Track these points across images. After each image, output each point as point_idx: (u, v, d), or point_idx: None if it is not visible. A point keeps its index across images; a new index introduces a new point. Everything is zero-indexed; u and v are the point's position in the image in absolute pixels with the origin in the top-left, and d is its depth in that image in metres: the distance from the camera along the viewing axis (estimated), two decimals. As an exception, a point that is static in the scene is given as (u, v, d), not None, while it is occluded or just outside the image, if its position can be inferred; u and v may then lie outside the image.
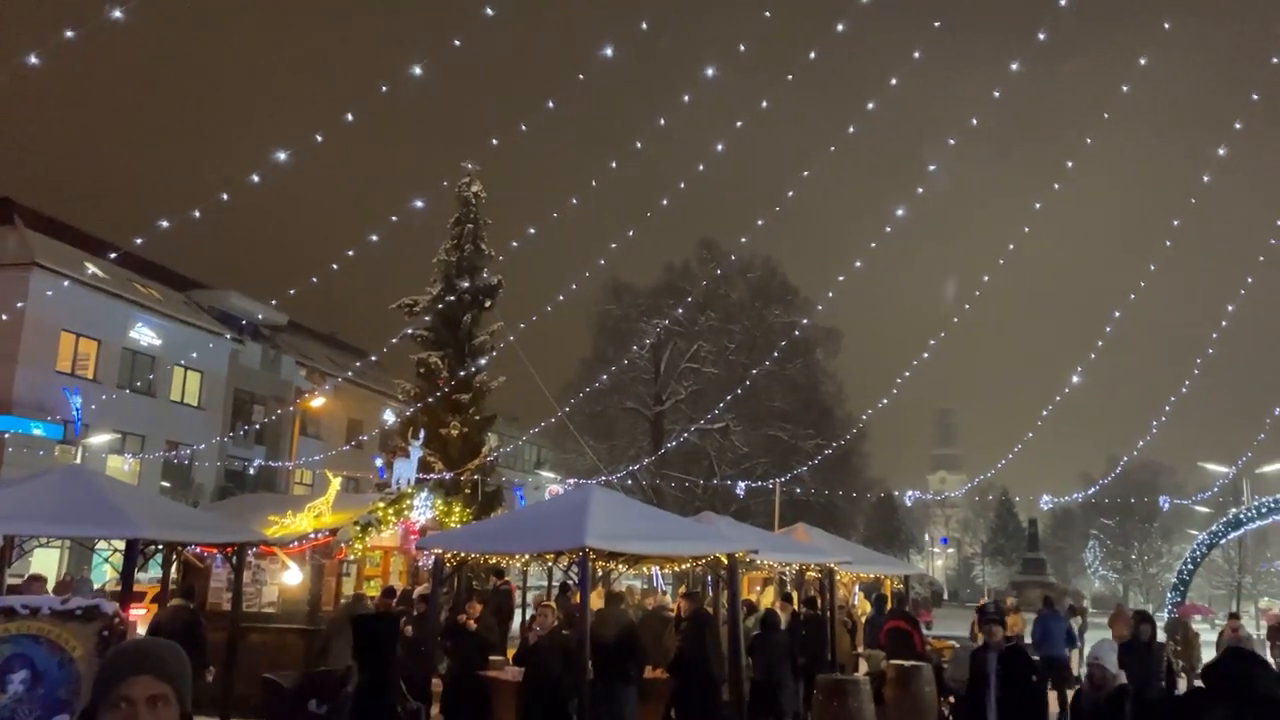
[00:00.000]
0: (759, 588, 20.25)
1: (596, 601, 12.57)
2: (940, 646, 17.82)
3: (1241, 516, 36.41)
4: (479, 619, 12.44)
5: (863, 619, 19.36)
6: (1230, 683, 5.00)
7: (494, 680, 11.55)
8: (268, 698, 10.55)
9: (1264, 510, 35.54)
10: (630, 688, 10.27)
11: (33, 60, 11.98)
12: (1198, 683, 11.69)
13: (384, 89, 15.49)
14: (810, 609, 15.08)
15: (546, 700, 10.10)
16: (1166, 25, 22.59)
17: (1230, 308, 25.74)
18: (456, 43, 14.85)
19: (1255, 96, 22.58)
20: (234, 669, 11.16)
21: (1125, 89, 23.24)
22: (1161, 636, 24.52)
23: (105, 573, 21.79)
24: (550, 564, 15.02)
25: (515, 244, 23.69)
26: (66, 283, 29.45)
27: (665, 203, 22.82)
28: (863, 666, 15.86)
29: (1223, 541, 40.62)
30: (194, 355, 36.22)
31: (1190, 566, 37.04)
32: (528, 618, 15.17)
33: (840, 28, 18.68)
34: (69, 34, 11.84)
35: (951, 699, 15.03)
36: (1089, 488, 51.22)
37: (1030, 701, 7.38)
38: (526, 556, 12.35)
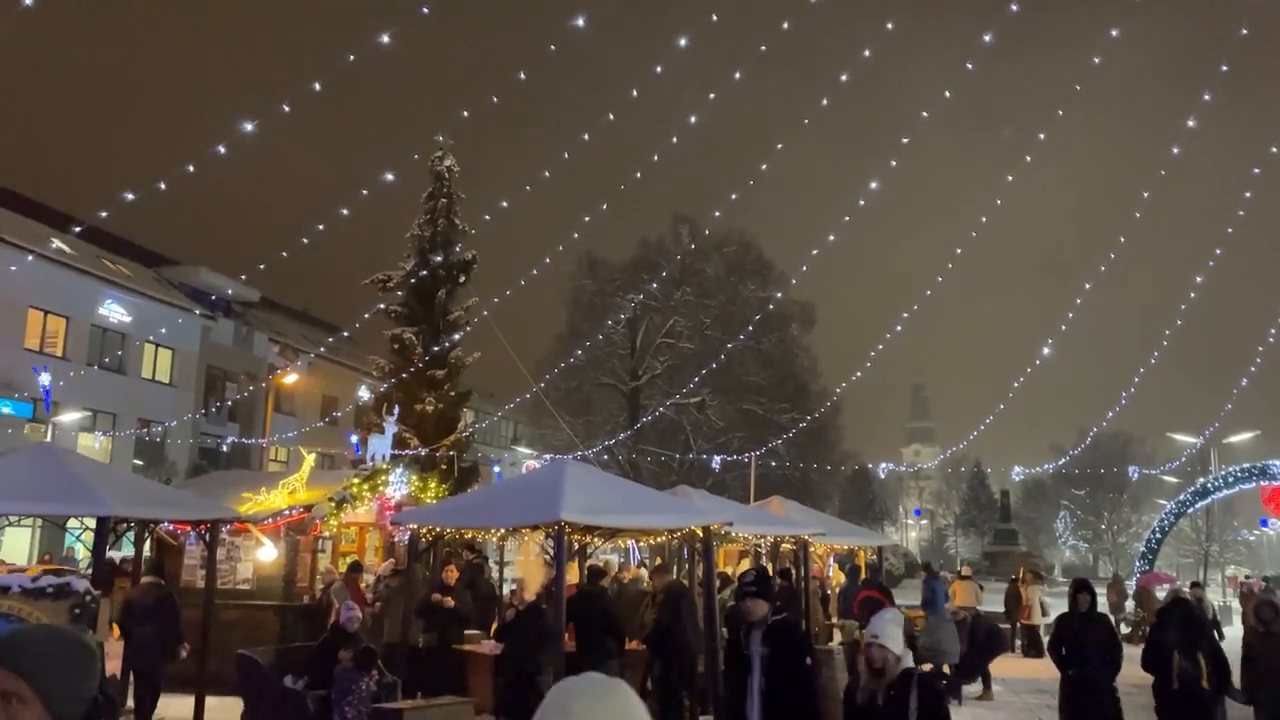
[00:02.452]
0: (735, 560, 20.42)
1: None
2: (913, 616, 18.07)
3: (1209, 486, 37.02)
4: (454, 592, 12.46)
5: (836, 590, 19.60)
6: (1179, 616, 8.49)
7: (470, 653, 11.60)
8: (243, 674, 10.52)
9: (1231, 479, 36.15)
10: (611, 661, 10.36)
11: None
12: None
13: (351, 58, 15.28)
14: (785, 580, 15.23)
15: (523, 673, 10.17)
16: (1138, -2, 22.61)
17: (1199, 279, 26.02)
18: (425, 10, 14.65)
19: (1225, 68, 22.73)
20: (209, 646, 11.13)
21: (1096, 61, 23.34)
22: (1130, 604, 25.06)
23: (79, 551, 21.61)
24: (527, 538, 15.06)
25: (488, 217, 23.54)
26: (31, 258, 28.95)
27: (638, 175, 22.76)
28: (836, 636, 16.06)
29: (1190, 510, 41.32)
30: (164, 332, 35.80)
31: (1158, 535, 37.65)
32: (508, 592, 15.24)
33: None
34: (28, 1, 11.59)
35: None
36: (1060, 459, 51.88)
37: (799, 687, 6.08)
38: (503, 531, 12.37)
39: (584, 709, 1.90)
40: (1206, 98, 22.75)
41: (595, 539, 12.89)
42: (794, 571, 15.65)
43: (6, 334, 31.54)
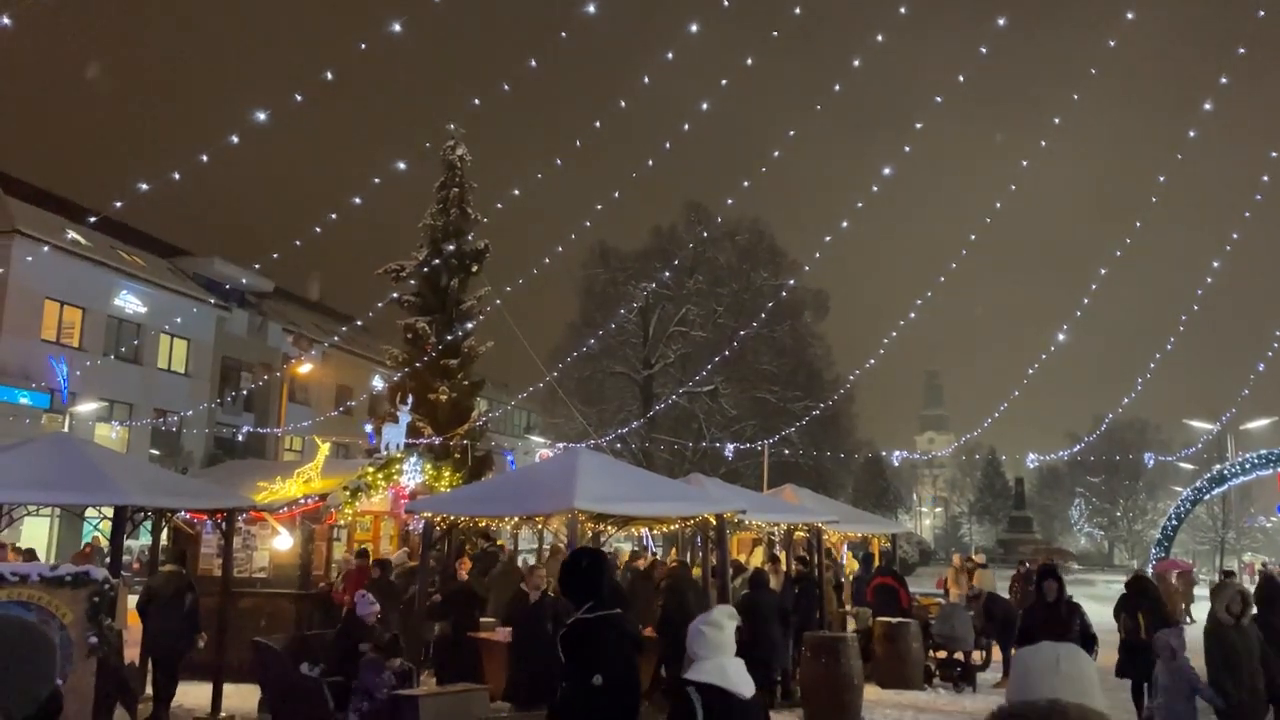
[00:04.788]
0: (748, 548, 20.43)
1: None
2: (927, 603, 18.06)
3: (1225, 472, 36.84)
4: (469, 579, 12.53)
5: (850, 577, 19.60)
6: (1132, 588, 11.37)
7: (485, 641, 11.66)
8: (260, 661, 10.61)
9: (1248, 466, 35.96)
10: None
11: (5, 22, 11.79)
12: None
13: (363, 46, 15.27)
14: (802, 566, 15.24)
15: (536, 661, 10.20)
16: (1155, -19, 22.40)
17: (1215, 264, 25.78)
18: None
19: (1242, 50, 22.48)
20: (226, 634, 11.23)
21: (1112, 44, 23.13)
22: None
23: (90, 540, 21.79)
24: (540, 527, 15.10)
25: (500, 206, 23.52)
26: (47, 249, 29.15)
27: (650, 163, 22.72)
28: (850, 624, 16.07)
29: (1207, 497, 41.11)
30: (180, 322, 36.01)
31: (1174, 522, 37.50)
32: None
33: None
34: (43, -5, 11.62)
35: (940, 653, 15.27)
36: (1075, 446, 51.59)
37: (581, 707, 5.08)
38: (516, 519, 12.41)
39: (1067, 667, 2.30)
40: (1224, 81, 22.52)
41: (609, 527, 12.93)
42: (810, 559, 15.66)
43: (23, 325, 31.79)
